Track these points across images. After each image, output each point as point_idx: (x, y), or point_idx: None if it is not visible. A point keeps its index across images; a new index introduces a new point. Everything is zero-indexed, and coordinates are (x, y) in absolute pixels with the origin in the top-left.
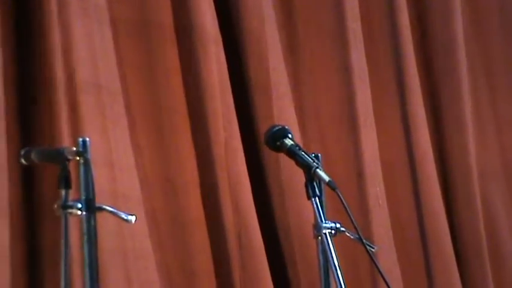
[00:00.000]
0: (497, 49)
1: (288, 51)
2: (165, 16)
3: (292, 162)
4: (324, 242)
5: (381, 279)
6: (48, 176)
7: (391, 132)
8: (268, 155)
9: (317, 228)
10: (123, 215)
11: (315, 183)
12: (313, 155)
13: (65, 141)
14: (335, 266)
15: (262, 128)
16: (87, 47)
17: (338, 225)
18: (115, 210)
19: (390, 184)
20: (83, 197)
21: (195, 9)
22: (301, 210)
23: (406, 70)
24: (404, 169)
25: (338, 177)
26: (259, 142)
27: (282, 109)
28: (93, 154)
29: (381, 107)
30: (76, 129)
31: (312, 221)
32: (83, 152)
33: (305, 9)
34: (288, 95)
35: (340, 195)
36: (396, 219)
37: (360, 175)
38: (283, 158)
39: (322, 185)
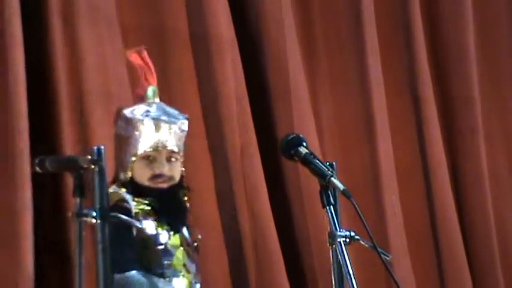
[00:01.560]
0: (505, 55)
1: (305, 58)
2: (180, 22)
3: None
4: (338, 250)
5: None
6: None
7: (405, 140)
8: (288, 161)
9: (331, 236)
10: (137, 224)
11: (329, 192)
12: (327, 163)
13: (73, 149)
14: (349, 274)
15: (282, 134)
16: (96, 56)
17: (353, 234)
18: (129, 219)
19: (404, 192)
20: (97, 206)
21: (210, 14)
22: (320, 216)
23: (420, 77)
24: (418, 177)
25: (355, 185)
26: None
27: (301, 116)
28: None
29: (395, 114)
30: (84, 138)
31: None
32: (97, 160)
33: (323, 16)
34: (307, 101)
35: (355, 204)
36: (410, 227)
37: (375, 182)
38: (302, 166)
39: (337, 194)
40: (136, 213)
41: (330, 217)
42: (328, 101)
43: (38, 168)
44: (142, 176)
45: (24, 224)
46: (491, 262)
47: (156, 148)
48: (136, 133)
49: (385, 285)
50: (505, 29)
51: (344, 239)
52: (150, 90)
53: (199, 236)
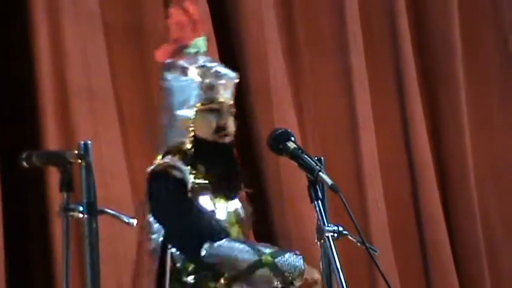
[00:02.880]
0: (491, 51)
1: (287, 55)
2: (158, 21)
3: (291, 167)
4: (327, 245)
5: (380, 280)
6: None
7: (390, 136)
8: (268, 159)
9: (319, 231)
10: (125, 218)
11: (317, 187)
12: (316, 158)
13: (56, 146)
14: (337, 269)
15: (263, 132)
16: (79, 52)
17: (340, 229)
18: (117, 213)
19: (389, 187)
20: (85, 200)
21: None
22: (300, 214)
23: (406, 74)
24: (403, 173)
25: (337, 181)
26: (259, 146)
27: (282, 113)
28: None
29: (381, 110)
30: (67, 134)
31: (312, 224)
32: (84, 155)
33: (305, 13)
34: (288, 98)
35: (343, 199)
36: (395, 222)
37: (359, 178)
38: (283, 162)
39: (325, 188)
40: (193, 188)
41: (318, 212)
42: (310, 97)
43: (24, 163)
44: (207, 128)
45: None
46: (476, 256)
47: (221, 101)
48: (208, 81)
49: (368, 280)
50: (491, 23)
51: (332, 233)
52: (203, 41)
53: (251, 210)
